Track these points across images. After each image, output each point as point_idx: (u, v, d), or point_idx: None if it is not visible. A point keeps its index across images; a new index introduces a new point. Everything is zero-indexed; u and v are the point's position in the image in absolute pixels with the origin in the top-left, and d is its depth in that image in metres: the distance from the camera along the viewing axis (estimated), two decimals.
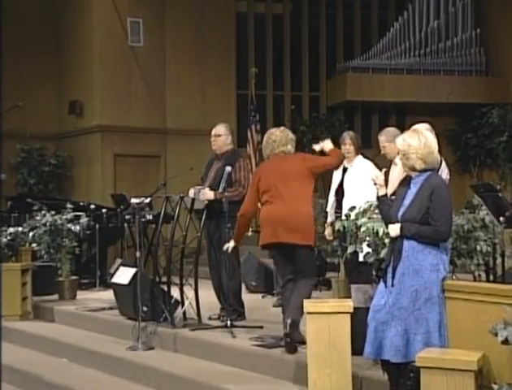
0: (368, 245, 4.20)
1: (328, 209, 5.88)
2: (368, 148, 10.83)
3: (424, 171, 3.44)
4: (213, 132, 5.76)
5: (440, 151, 3.60)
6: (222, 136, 5.71)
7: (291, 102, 11.79)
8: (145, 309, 5.49)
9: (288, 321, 4.39)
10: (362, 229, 4.14)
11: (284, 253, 4.65)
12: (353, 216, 4.44)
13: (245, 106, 11.03)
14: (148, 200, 5.94)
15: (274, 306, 6.45)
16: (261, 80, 11.29)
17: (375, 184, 3.60)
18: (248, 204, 4.86)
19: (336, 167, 5.21)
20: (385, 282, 3.48)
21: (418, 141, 3.44)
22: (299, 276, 4.61)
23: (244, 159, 5.71)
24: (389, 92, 11.32)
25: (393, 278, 3.43)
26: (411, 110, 11.52)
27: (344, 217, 4.66)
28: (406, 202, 3.47)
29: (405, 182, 3.55)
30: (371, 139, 11.57)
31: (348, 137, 5.85)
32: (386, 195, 3.63)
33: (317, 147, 4.96)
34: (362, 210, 4.35)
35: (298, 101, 11.88)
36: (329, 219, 5.84)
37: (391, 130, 5.26)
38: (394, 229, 3.45)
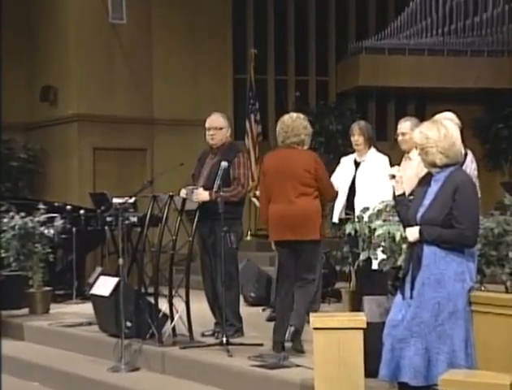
0: (383, 251, 4.20)
1: (336, 208, 5.87)
2: (383, 140, 10.85)
3: (446, 166, 3.44)
4: (210, 124, 5.73)
5: (464, 143, 3.59)
6: (223, 130, 5.70)
7: (295, 88, 11.80)
8: (128, 324, 5.50)
9: (291, 328, 4.67)
10: (377, 233, 4.14)
11: (289, 252, 4.98)
12: (366, 218, 4.44)
13: (243, 92, 11.03)
14: (132, 200, 5.95)
15: (267, 320, 6.47)
16: (261, 62, 11.30)
17: (393, 177, 3.58)
18: (266, 208, 5.05)
19: (330, 200, 5.33)
20: (403, 293, 3.47)
21: (437, 133, 3.43)
22: (301, 278, 4.95)
23: (243, 154, 5.72)
24: (408, 76, 11.31)
25: (412, 289, 3.42)
26: (433, 97, 11.52)
27: (356, 219, 4.67)
28: (426, 202, 3.46)
29: (426, 180, 3.55)
30: (387, 130, 11.59)
31: (356, 127, 5.89)
32: (404, 194, 3.62)
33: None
34: (376, 210, 4.35)
35: (304, 86, 11.89)
36: (334, 219, 5.85)
37: (415, 119, 5.27)
38: (412, 233, 3.44)
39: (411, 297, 3.44)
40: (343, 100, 11.71)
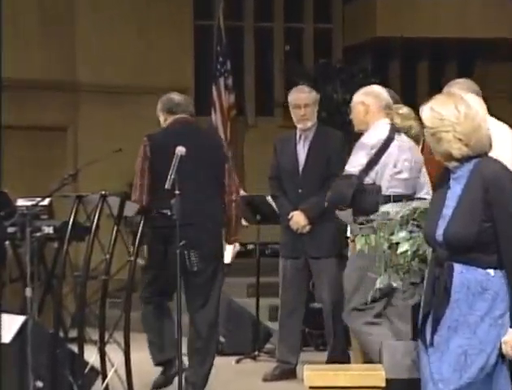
0: (409, 276, 4.22)
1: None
2: None
3: (468, 158, 3.45)
4: None
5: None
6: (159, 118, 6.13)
7: (284, 40, 11.82)
8: (39, 384, 5.48)
9: None
10: (401, 249, 4.17)
11: None
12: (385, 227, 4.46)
13: (208, 46, 11.04)
14: (46, 201, 5.92)
15: (265, 380, 6.52)
16: (235, 3, 11.31)
17: None
18: None
19: None
20: (424, 339, 3.47)
21: (455, 112, 3.39)
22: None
23: (143, 143, 5.92)
24: (448, 23, 11.37)
25: (433, 333, 3.41)
26: (484, 53, 11.59)
27: (370, 229, 4.69)
28: (447, 212, 3.43)
29: (443, 179, 3.54)
30: (417, 99, 11.64)
31: None
32: None
33: None
34: (399, 217, 4.38)
35: (297, 38, 11.93)
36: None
37: (466, 82, 5.30)
38: None
39: (432, 344, 3.45)
40: (353, 57, 11.75)
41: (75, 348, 5.57)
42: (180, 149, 5.47)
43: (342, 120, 10.90)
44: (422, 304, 3.55)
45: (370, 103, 5.50)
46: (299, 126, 6.67)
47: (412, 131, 5.49)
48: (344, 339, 6.64)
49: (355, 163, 5.48)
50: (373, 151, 5.41)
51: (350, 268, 5.56)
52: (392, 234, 4.37)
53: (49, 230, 6.03)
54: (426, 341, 3.47)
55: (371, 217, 5.31)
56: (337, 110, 11.06)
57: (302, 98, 6.67)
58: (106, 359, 5.51)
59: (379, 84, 9.17)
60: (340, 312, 6.52)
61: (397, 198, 5.36)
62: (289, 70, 11.47)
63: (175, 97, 6.09)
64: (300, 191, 6.57)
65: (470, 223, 3.36)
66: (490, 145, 3.46)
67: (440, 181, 3.54)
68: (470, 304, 3.37)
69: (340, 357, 6.50)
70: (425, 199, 5.26)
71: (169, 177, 5.36)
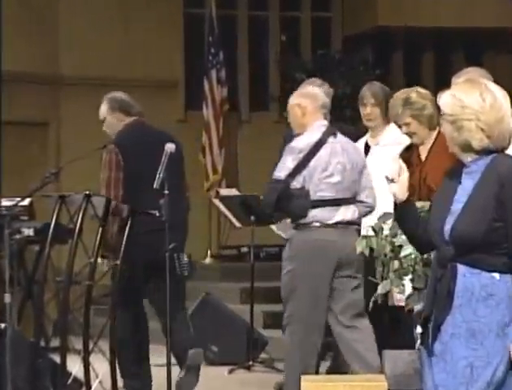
0: (412, 281, 4.23)
1: None
2: None
3: (487, 152, 3.41)
4: None
5: None
6: (105, 119, 6.18)
7: (280, 30, 11.82)
8: None
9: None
10: (403, 253, 4.16)
11: None
12: (386, 230, 4.46)
13: (199, 36, 11.03)
14: (26, 202, 5.91)
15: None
16: None
17: (391, 181, 3.52)
18: None
19: None
20: (427, 346, 3.47)
21: (479, 100, 3.40)
22: None
23: (109, 151, 5.97)
24: (453, 11, 11.38)
25: (434, 340, 3.41)
26: (492, 43, 11.58)
27: (370, 231, 4.69)
28: (457, 207, 3.43)
29: (454, 173, 3.53)
30: None
31: (368, 93, 6.00)
32: (409, 201, 3.57)
33: None
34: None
35: (294, 27, 11.91)
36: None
37: (477, 71, 5.31)
38: None
39: (433, 353, 3.44)
40: (353, 48, 11.75)
41: (57, 358, 5.58)
42: (170, 146, 5.50)
43: (342, 115, 10.93)
44: (423, 307, 3.55)
45: (307, 104, 5.60)
46: None
47: (425, 111, 5.47)
48: None
49: (282, 168, 5.60)
50: (301, 155, 5.52)
51: (283, 272, 5.62)
52: (394, 236, 4.37)
53: (29, 232, 6.02)
54: (428, 346, 3.47)
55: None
56: (337, 105, 11.05)
57: None
58: (90, 369, 5.51)
59: (381, 76, 9.24)
60: None
61: (327, 202, 5.45)
62: (285, 62, 11.46)
63: (123, 96, 6.21)
64: None
65: (480, 221, 3.33)
66: (509, 141, 3.45)
67: (450, 175, 3.52)
68: (474, 309, 3.35)
69: (343, 366, 6.49)
70: (366, 203, 5.40)
71: (158, 176, 5.38)
